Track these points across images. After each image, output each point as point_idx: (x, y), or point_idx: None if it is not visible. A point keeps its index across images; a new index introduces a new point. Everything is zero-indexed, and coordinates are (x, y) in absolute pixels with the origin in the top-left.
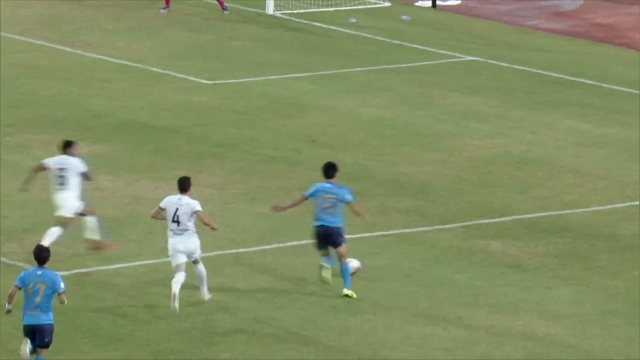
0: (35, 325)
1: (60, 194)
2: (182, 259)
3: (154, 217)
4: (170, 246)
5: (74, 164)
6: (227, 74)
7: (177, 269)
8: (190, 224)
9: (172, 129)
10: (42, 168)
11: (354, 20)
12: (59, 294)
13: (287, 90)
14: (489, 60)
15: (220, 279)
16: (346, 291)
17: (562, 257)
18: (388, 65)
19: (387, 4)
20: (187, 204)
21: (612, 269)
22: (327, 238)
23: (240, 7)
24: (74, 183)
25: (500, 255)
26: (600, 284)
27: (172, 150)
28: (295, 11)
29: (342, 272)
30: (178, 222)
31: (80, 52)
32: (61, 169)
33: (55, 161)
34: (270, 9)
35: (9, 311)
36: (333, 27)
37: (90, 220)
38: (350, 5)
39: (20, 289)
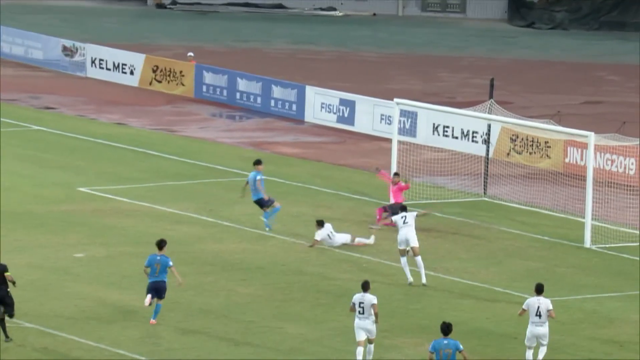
0: None
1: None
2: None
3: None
4: None
5: None
6: (552, 293)
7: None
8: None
9: (510, 334)
10: None
11: None
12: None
13: (600, 306)
14: None
15: None
16: None
17: None
18: None
19: None
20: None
21: None
22: None
23: (561, 241)
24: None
25: None
26: None
27: (509, 352)
28: (607, 245)
29: None
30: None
31: (441, 275)
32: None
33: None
34: (587, 243)
35: None
36: (637, 258)
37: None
38: None
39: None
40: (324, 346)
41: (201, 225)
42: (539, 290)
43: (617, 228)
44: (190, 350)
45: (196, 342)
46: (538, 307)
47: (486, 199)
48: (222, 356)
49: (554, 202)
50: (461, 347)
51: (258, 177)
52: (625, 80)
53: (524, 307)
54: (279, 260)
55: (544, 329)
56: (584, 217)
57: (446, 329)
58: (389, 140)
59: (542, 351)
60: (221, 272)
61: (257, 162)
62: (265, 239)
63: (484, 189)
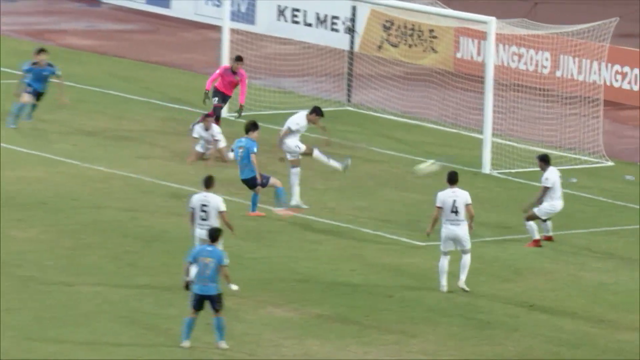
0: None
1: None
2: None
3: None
4: None
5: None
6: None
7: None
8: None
9: (384, 292)
10: None
11: (574, 180)
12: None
13: (504, 253)
14: None
15: None
16: None
17: None
18: (610, 228)
19: (610, 163)
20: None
21: None
22: None
23: (456, 166)
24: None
25: None
26: None
27: (383, 315)
28: (512, 170)
29: None
30: None
31: (289, 212)
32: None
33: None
34: (486, 167)
35: None
36: None
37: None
38: (571, 165)
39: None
40: (130, 310)
41: None
42: (452, 179)
43: (526, 147)
44: None
45: None
46: (454, 201)
47: (350, 108)
48: None
49: (441, 112)
50: (225, 260)
51: (255, 150)
52: None
53: (437, 204)
54: (69, 193)
55: (462, 229)
56: (481, 133)
57: (214, 234)
58: (218, 29)
59: (466, 262)
60: None
61: (253, 128)
62: (50, 164)
63: (348, 95)
